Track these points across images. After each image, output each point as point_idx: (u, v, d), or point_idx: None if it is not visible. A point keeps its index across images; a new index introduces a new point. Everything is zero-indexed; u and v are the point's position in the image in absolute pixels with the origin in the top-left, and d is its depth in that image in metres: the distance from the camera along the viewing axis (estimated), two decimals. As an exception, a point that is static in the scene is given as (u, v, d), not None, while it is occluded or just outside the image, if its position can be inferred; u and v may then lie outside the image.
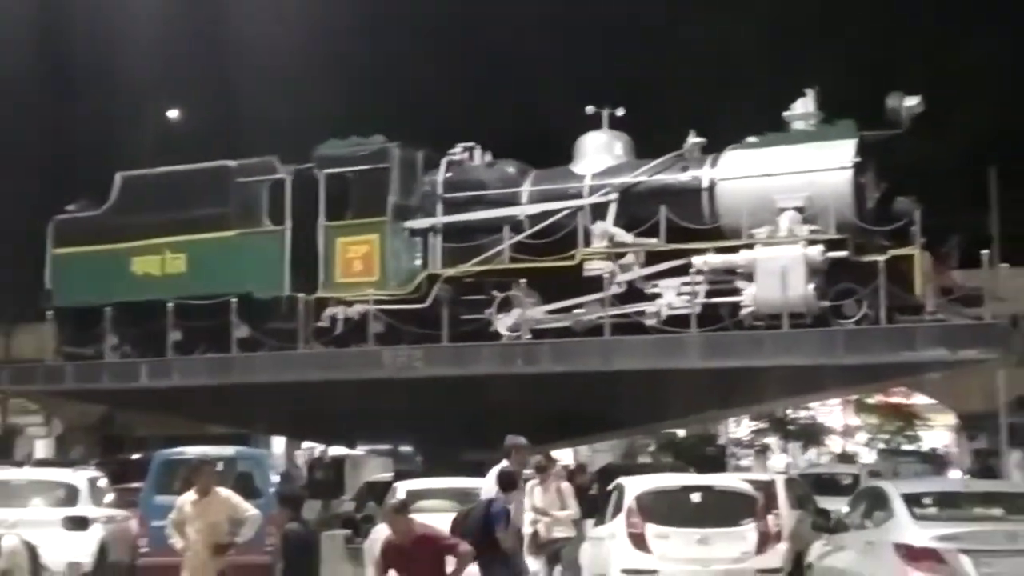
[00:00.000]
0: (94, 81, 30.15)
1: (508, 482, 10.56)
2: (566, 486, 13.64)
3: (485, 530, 9.86)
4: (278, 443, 30.93)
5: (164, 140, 27.74)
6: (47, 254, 20.47)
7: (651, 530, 12.64)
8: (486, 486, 10.73)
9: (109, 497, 16.32)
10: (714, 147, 16.70)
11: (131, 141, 27.75)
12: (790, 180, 15.69)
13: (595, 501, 16.20)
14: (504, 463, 10.70)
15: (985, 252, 15.34)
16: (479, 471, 16.57)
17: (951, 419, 33.85)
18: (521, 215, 17.35)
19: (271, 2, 27.90)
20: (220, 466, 13.91)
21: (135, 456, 25.53)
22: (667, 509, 12.78)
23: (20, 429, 35.99)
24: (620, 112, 17.55)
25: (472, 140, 18.30)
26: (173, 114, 31.11)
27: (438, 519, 10.37)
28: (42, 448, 35.60)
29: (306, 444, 31.42)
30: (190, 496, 10.61)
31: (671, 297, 16.06)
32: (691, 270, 15.87)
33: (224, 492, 10.74)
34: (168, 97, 30.35)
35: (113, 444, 32.43)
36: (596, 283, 16.47)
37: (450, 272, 17.47)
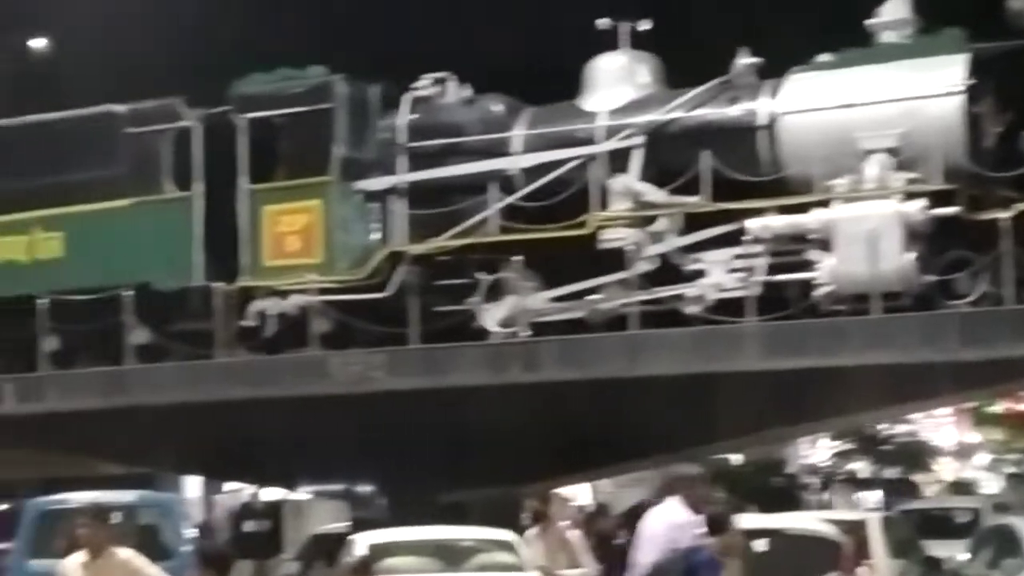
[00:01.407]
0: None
1: (718, 524, 10.82)
2: (575, 536, 13.60)
3: None
4: (193, 485, 30.88)
5: (25, 78, 27.58)
6: None
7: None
8: (649, 534, 10.80)
9: (-36, 564, 16.29)
10: (774, 70, 16.67)
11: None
12: (878, 112, 15.66)
13: (623, 553, 16.15)
14: (671, 501, 10.81)
15: None
16: (461, 516, 16.60)
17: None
18: (513, 169, 17.33)
19: None
20: (116, 517, 13.87)
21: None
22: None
23: None
24: (645, 26, 17.45)
25: (444, 69, 18.24)
26: (37, 44, 30.96)
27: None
28: None
29: (230, 486, 31.36)
30: (78, 558, 10.66)
31: (719, 275, 16.03)
32: (745, 238, 15.85)
33: (123, 552, 10.80)
34: (30, 19, 30.12)
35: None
36: (617, 259, 16.46)
37: (419, 249, 17.45)
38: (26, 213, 19.44)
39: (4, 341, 19.31)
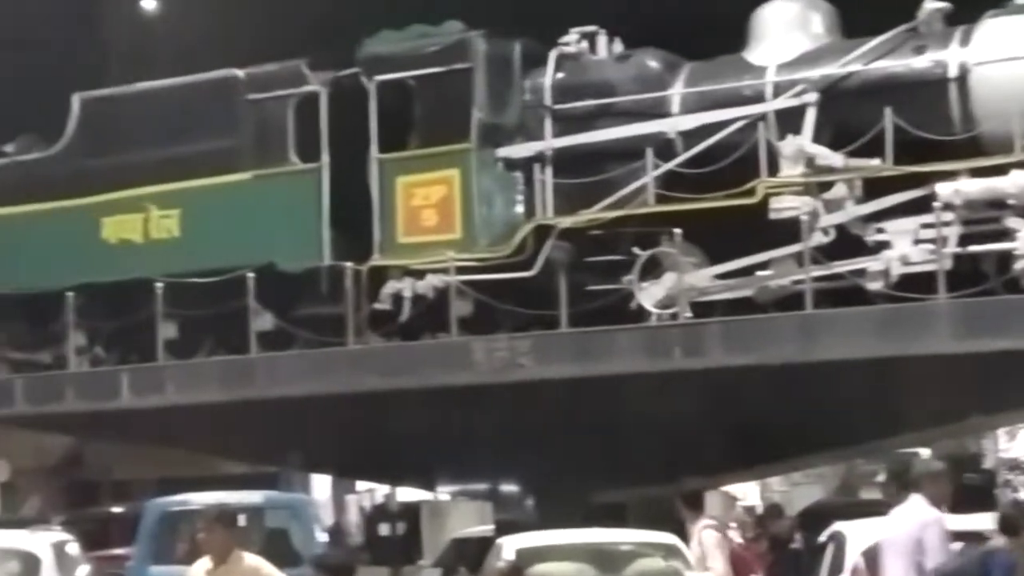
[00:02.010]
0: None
1: (1012, 525, 10.81)
2: (711, 537, 13.44)
3: None
4: (322, 485, 31.29)
5: (139, 43, 28.05)
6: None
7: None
8: (894, 535, 10.83)
9: (84, 570, 16.71)
10: (965, 15, 16.49)
11: (92, 46, 28.11)
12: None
13: (797, 557, 16.07)
14: (915, 498, 10.82)
15: None
16: (619, 517, 16.61)
17: None
18: (671, 132, 17.36)
19: None
20: (243, 520, 14.04)
21: (117, 509, 26.09)
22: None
23: (-50, 475, 36.88)
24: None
25: (593, 23, 18.28)
26: (149, 5, 31.47)
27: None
28: (-17, 501, 36.45)
29: (362, 486, 31.76)
30: (203, 564, 10.67)
31: (905, 247, 15.94)
32: (936, 204, 15.69)
33: (251, 559, 10.76)
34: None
35: (84, 493, 33.10)
36: (789, 230, 16.38)
37: (568, 222, 17.50)
38: (139, 189, 19.78)
39: (119, 329, 19.64)
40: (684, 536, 14.38)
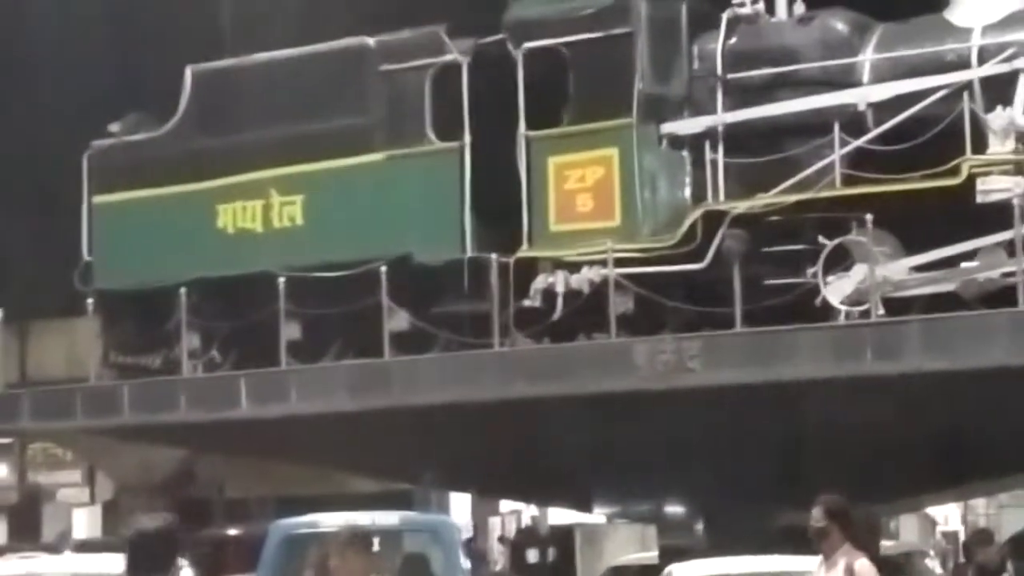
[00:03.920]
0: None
1: None
2: (863, 567, 12.81)
3: None
4: (461, 505, 31.51)
5: (257, 9, 28.39)
6: (84, 206, 21.28)
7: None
8: None
9: (198, 599, 16.94)
10: None
11: (204, 12, 28.52)
12: None
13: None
14: None
15: None
16: (799, 542, 16.54)
17: None
18: (862, 103, 17.32)
19: None
20: (377, 544, 14.22)
21: (233, 531, 26.46)
22: None
23: (49, 492, 37.66)
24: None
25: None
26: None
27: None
28: (83, 521, 37.17)
29: (508, 506, 31.92)
30: None
31: None
32: None
33: None
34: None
35: (194, 513, 33.60)
36: (999, 216, 16.30)
37: (742, 206, 17.51)
38: (259, 173, 20.05)
39: (237, 330, 19.91)
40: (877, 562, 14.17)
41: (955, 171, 16.44)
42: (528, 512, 30.16)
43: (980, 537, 18.70)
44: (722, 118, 17.93)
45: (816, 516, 12.12)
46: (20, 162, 31.65)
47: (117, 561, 17.21)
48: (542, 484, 21.75)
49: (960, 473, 18.91)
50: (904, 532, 30.49)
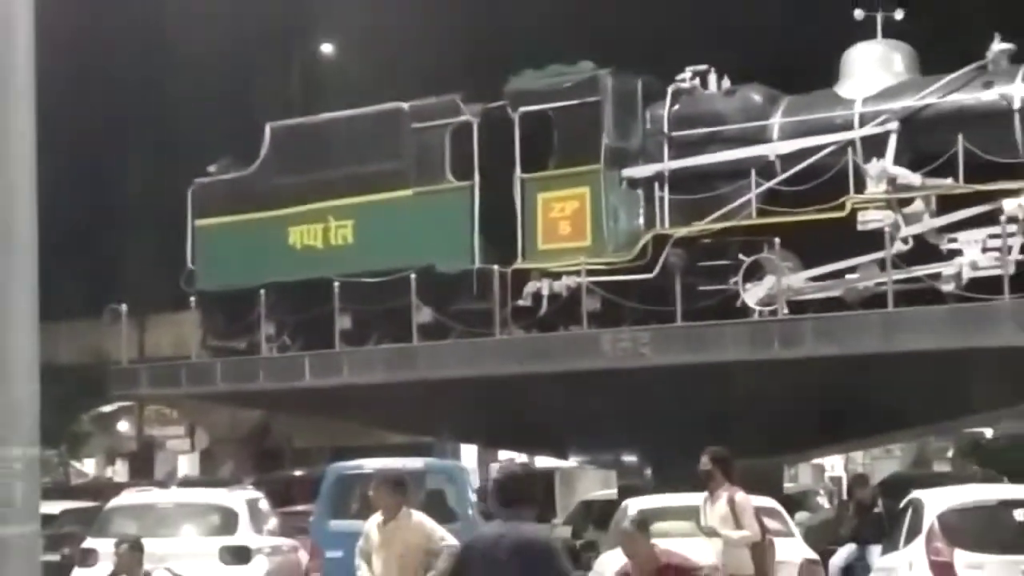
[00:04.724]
0: (231, 15, 31.12)
1: None
2: (742, 498, 12.31)
3: None
4: (469, 453, 31.46)
5: (318, 81, 28.40)
6: (188, 227, 21.28)
7: (961, 558, 12.39)
8: None
9: (272, 523, 16.81)
10: (1027, 55, 16.25)
11: (280, 83, 28.54)
12: None
13: (880, 521, 15.93)
14: None
15: None
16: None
17: None
18: (772, 155, 17.27)
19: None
20: (405, 482, 14.11)
21: (299, 472, 26.37)
22: (981, 531, 12.52)
23: (160, 442, 37.68)
24: (899, 15, 17.20)
25: (704, 63, 18.22)
26: (327, 49, 31.85)
27: (679, 545, 10.32)
28: (185, 464, 37.19)
29: (504, 454, 31.82)
30: (376, 519, 10.68)
31: (974, 254, 15.74)
32: (1001, 218, 15.48)
33: (416, 515, 10.74)
34: (320, 29, 31.00)
35: (269, 459, 33.61)
36: (873, 240, 16.23)
37: (682, 231, 17.49)
38: (320, 203, 19.98)
39: (302, 321, 19.87)
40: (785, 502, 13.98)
41: (841, 206, 16.38)
42: (519, 459, 30.05)
43: (859, 480, 18.69)
44: (668, 165, 17.87)
45: (704, 462, 11.76)
46: (142, 195, 31.70)
47: (211, 494, 17.34)
48: (530, 438, 21.68)
49: (843, 432, 18.84)
50: (801, 477, 30.45)
